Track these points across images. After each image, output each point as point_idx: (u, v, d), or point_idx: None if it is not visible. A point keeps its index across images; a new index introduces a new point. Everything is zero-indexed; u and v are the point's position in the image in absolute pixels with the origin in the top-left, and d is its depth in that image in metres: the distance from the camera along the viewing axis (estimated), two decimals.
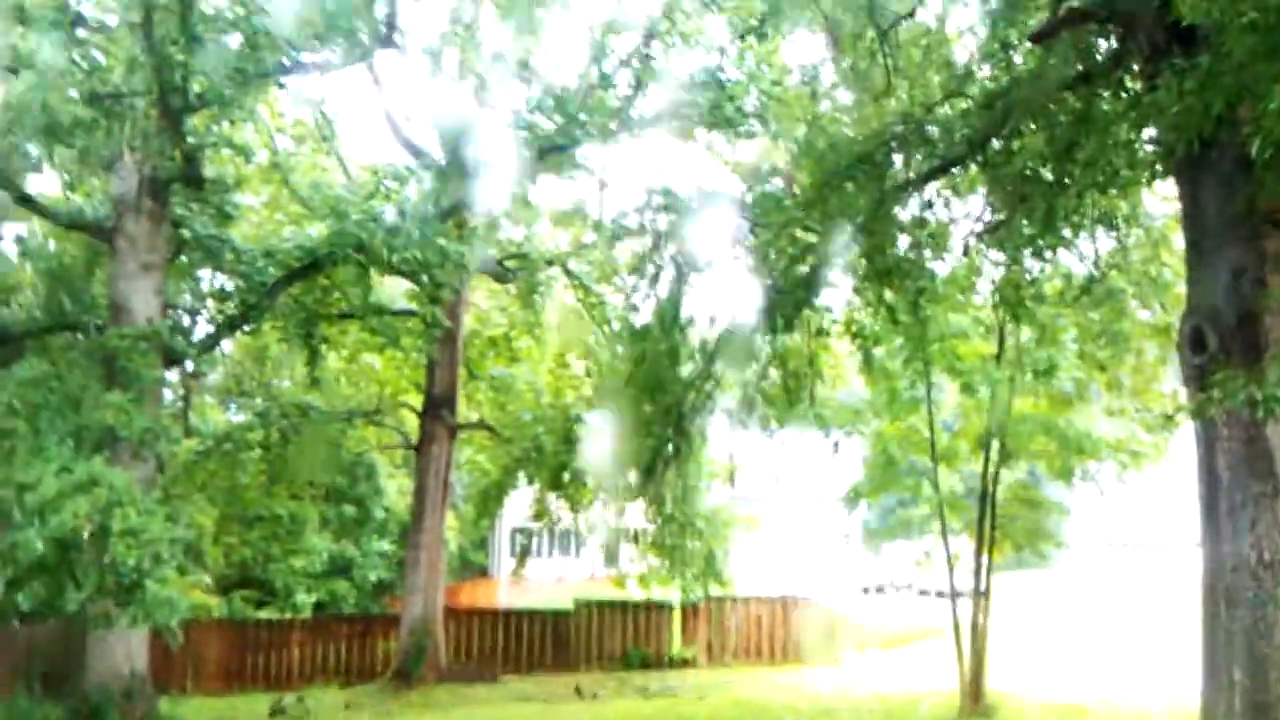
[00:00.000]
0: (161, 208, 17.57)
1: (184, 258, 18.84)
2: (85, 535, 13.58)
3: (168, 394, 18.94)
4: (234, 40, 16.56)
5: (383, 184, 18.82)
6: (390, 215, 17.95)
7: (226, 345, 21.74)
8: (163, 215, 17.61)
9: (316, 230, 18.85)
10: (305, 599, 27.63)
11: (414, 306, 19.76)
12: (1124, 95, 9.77)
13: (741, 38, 15.99)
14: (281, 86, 17.85)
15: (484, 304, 23.68)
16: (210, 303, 19.74)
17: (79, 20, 17.01)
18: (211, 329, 19.29)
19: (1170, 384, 14.45)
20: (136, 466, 15.63)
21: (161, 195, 17.52)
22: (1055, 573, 28.95)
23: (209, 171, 18.17)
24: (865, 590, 33.98)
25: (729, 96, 15.64)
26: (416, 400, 22.82)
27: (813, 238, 11.96)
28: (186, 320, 19.67)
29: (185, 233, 18.11)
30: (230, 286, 19.03)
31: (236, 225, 19.06)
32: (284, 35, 16.28)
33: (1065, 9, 10.49)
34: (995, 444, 15.52)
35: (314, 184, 19.56)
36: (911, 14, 12.48)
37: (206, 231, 18.22)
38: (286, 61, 16.78)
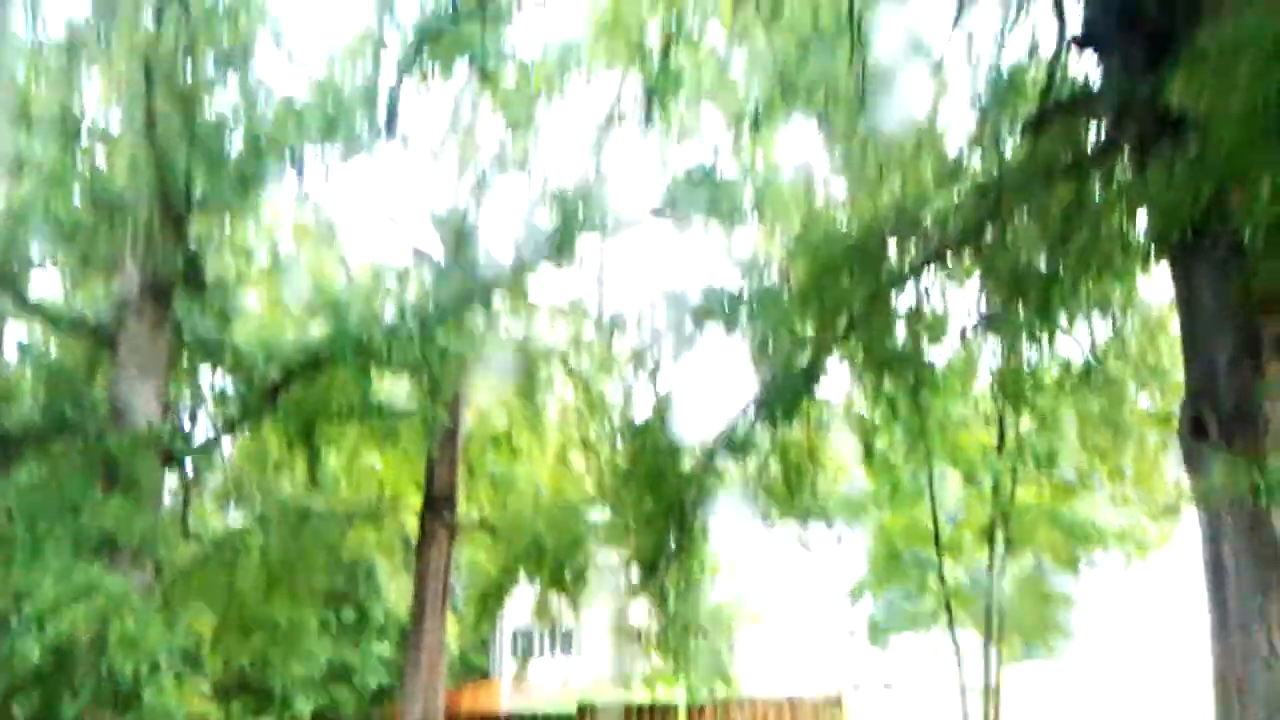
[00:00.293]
0: (163, 310, 17.62)
1: (185, 360, 18.86)
2: (83, 643, 13.42)
3: (167, 497, 18.82)
4: (236, 141, 16.79)
5: (383, 282, 18.91)
6: (390, 314, 18.01)
7: (226, 447, 21.69)
8: (164, 318, 17.66)
9: (317, 330, 18.90)
10: (305, 706, 27.19)
11: (414, 405, 19.73)
12: (1115, 184, 9.86)
13: (736, 130, 16.18)
14: (283, 186, 18.03)
15: (484, 400, 23.67)
16: (210, 404, 19.71)
17: (82, 126, 17.26)
18: (211, 431, 19.25)
19: (1173, 471, 14.39)
20: (135, 572, 15.50)
21: (163, 298, 17.59)
22: (1064, 664, 28.55)
23: (210, 273, 18.27)
24: (872, 686, 33.47)
25: (724, 190, 15.80)
26: (416, 499, 22.70)
27: (810, 329, 11.99)
28: (186, 422, 19.64)
29: (186, 335, 18.15)
30: (231, 388, 19.02)
31: (237, 326, 19.12)
32: (285, 136, 16.49)
33: (1054, 100, 10.65)
34: (999, 535, 15.41)
35: (315, 283, 19.66)
36: (903, 108, 12.65)
37: (208, 333, 18.26)
38: (288, 161, 16.95)
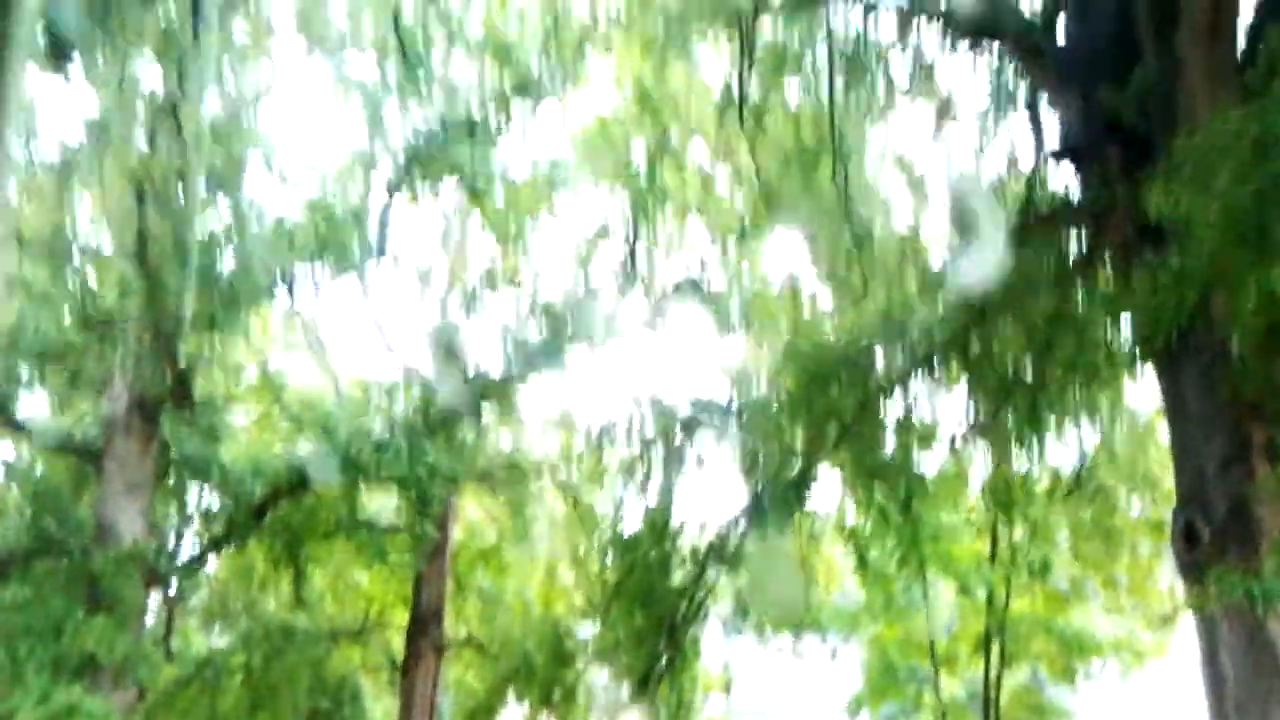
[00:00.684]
0: (151, 429, 17.57)
1: (171, 478, 18.75)
2: None
3: (150, 617, 18.55)
4: (227, 261, 16.92)
5: (372, 398, 18.92)
6: (379, 429, 17.99)
7: (211, 565, 21.46)
8: (152, 436, 17.60)
9: (305, 446, 18.85)
10: None
11: (402, 521, 19.58)
12: (1098, 292, 9.95)
13: (722, 243, 16.37)
14: (273, 303, 18.14)
15: (473, 515, 23.49)
16: (196, 522, 19.55)
17: (73, 246, 17.39)
18: (197, 549, 19.07)
19: (1167, 579, 14.27)
20: (117, 693, 15.23)
21: (151, 416, 17.55)
22: None
23: (199, 391, 18.27)
24: None
25: (711, 301, 15.94)
26: (403, 617, 22.35)
27: (800, 439, 11.97)
28: (172, 541, 19.45)
29: (174, 453, 18.07)
30: (217, 505, 18.89)
31: (225, 444, 19.04)
32: (276, 255, 16.64)
33: (1034, 211, 10.80)
34: (995, 646, 15.22)
35: (304, 400, 19.66)
36: (886, 220, 12.82)
37: (195, 451, 18.18)
38: (278, 281, 17.08)
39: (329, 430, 17.82)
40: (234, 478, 18.18)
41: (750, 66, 12.45)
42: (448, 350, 19.15)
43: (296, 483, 18.11)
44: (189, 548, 19.34)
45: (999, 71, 10.90)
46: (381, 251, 17.49)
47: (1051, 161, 10.59)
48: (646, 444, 14.46)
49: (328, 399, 20.39)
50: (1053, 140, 10.45)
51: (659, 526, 12.89)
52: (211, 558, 20.12)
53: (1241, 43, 8.70)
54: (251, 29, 15.63)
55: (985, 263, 10.82)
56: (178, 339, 17.01)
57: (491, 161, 16.93)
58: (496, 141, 16.88)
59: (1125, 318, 9.27)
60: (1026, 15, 10.28)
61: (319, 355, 21.45)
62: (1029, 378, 10.00)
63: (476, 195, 17.08)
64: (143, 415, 17.46)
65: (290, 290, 17.98)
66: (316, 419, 18.48)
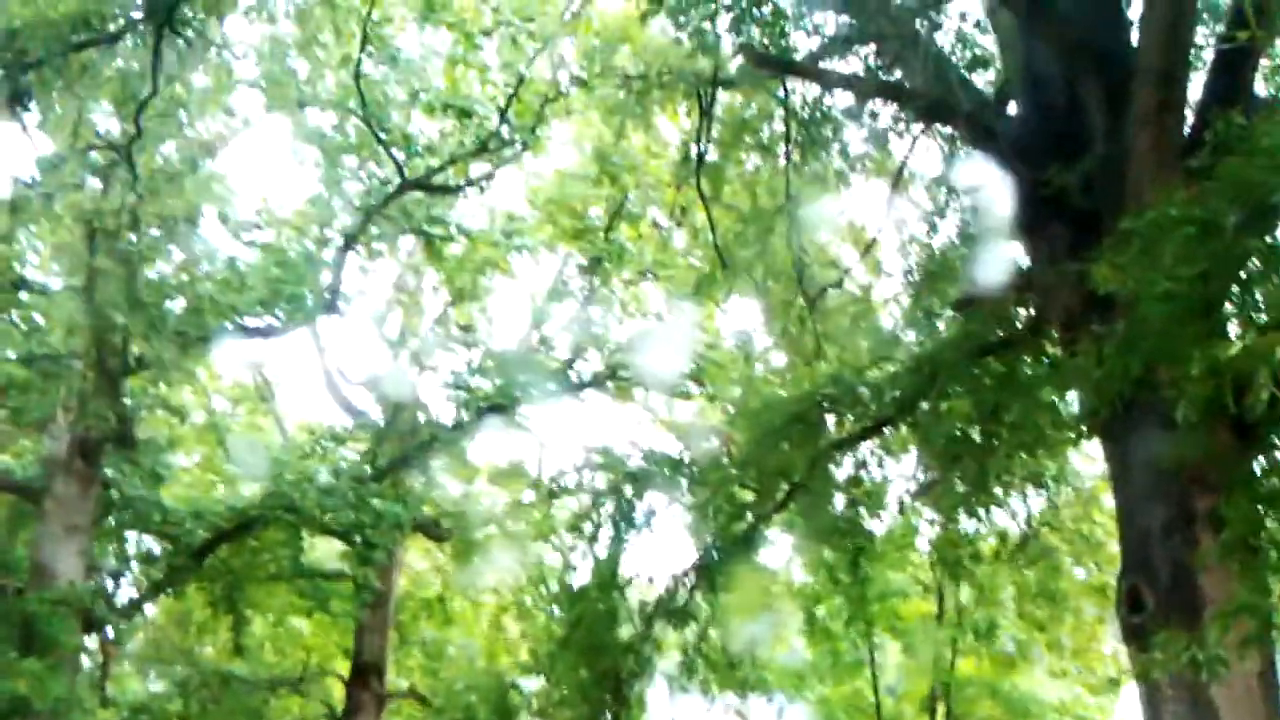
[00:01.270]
0: (92, 469, 17.38)
1: (112, 519, 18.52)
2: None
3: (86, 661, 18.24)
4: (177, 304, 16.85)
5: (319, 444, 18.85)
6: (324, 476, 17.90)
7: (149, 609, 21.15)
8: (93, 477, 17.40)
9: (249, 490, 18.70)
10: None
11: (345, 568, 19.44)
12: (1045, 360, 10.22)
13: (677, 303, 16.59)
14: (223, 351, 18.07)
15: (418, 564, 23.36)
16: (135, 565, 19.30)
17: (22, 283, 17.25)
18: (135, 593, 18.81)
19: (1111, 644, 14.51)
20: None
21: (93, 457, 17.36)
22: None
23: (143, 432, 18.11)
24: None
25: (665, 359, 16.12)
26: (344, 667, 22.11)
27: (750, 496, 12.10)
28: (110, 583, 19.17)
29: (115, 494, 17.87)
30: (157, 549, 18.67)
31: (168, 486, 18.86)
32: (227, 300, 16.60)
33: (983, 280, 11.09)
34: (940, 708, 15.36)
35: (249, 444, 19.53)
36: (839, 284, 13.09)
37: (136, 493, 17.99)
38: (229, 325, 17.03)
39: (272, 474, 17.71)
40: (175, 521, 17.99)
41: (709, 133, 12.71)
42: (398, 399, 19.15)
43: (238, 527, 17.96)
44: (127, 591, 19.09)
45: (951, 148, 11.23)
46: (334, 300, 17.50)
47: (1000, 234, 10.90)
48: (596, 497, 14.52)
49: (273, 444, 20.27)
50: (1003, 214, 10.76)
51: (607, 580, 12.92)
52: (150, 602, 19.84)
53: (1190, 124, 9.05)
54: (213, 80, 15.69)
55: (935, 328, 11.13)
56: (123, 379, 16.88)
57: (449, 217, 17.04)
58: (455, 197, 17.01)
59: (1072, 386, 9.52)
60: (979, 95, 10.59)
61: (266, 400, 21.35)
62: (977, 441, 10.20)
63: (433, 249, 17.17)
64: (85, 456, 17.27)
65: (240, 336, 17.94)
66: (261, 463, 18.37)
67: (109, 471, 17.77)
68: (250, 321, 17.32)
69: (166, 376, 17.72)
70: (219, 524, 17.82)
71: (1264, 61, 9.07)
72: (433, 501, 19.76)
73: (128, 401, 17.18)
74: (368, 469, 18.22)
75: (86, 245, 16.16)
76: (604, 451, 13.93)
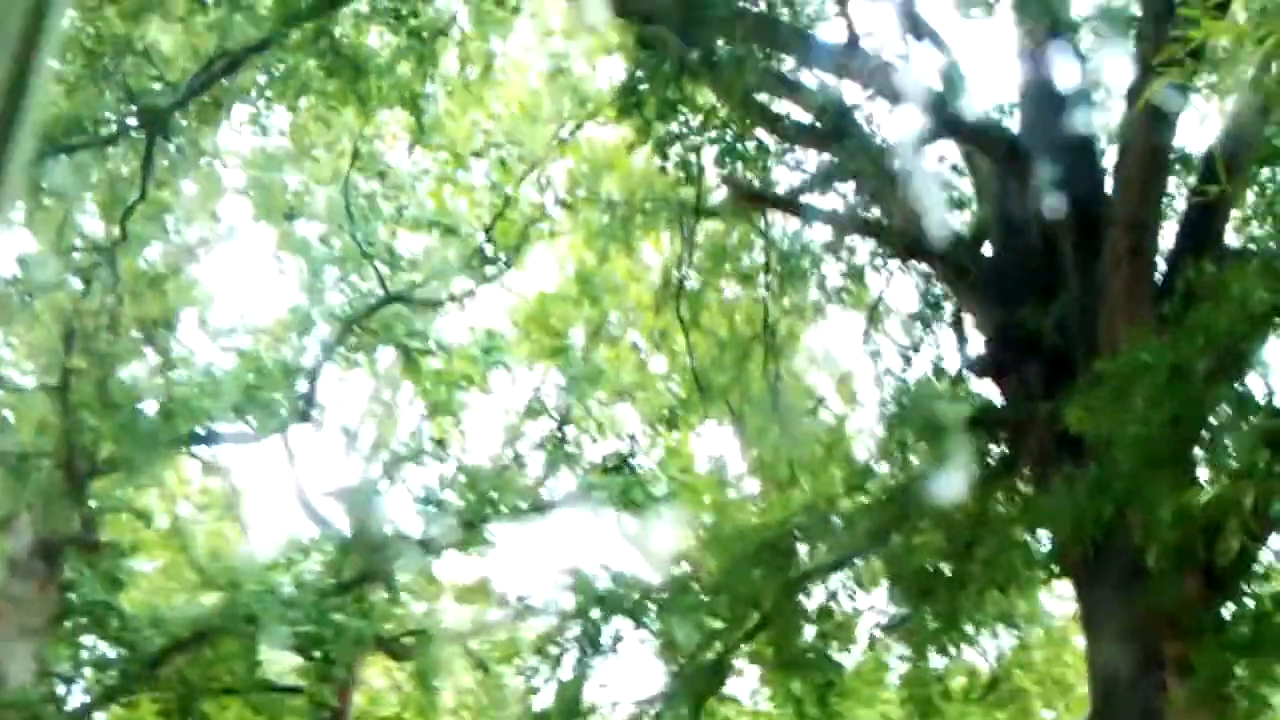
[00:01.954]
0: (51, 570, 17.10)
1: (68, 623, 18.16)
2: None
3: None
4: (150, 406, 16.79)
5: (284, 554, 18.64)
6: (287, 588, 17.66)
7: (100, 717, 20.62)
8: (52, 578, 17.12)
9: (210, 599, 18.42)
10: None
11: (302, 683, 19.06)
12: (1017, 498, 10.30)
13: (652, 426, 16.64)
14: (193, 456, 17.95)
15: (377, 682, 22.90)
16: (89, 671, 18.86)
17: None
18: (87, 699, 18.35)
19: None
20: None
21: (53, 558, 17.10)
22: None
23: (105, 535, 17.88)
24: None
25: (638, 482, 16.10)
26: None
27: (719, 624, 12.02)
28: (62, 689, 18.70)
29: (73, 597, 17.55)
30: (113, 654, 18.27)
31: (127, 591, 18.55)
32: (201, 405, 16.56)
33: (957, 415, 11.21)
34: None
35: (213, 552, 19.29)
36: (814, 413, 13.20)
37: (95, 597, 17.68)
38: (201, 431, 16.96)
39: (235, 584, 17.47)
40: (133, 628, 17.67)
41: (690, 260, 12.93)
42: (365, 512, 19.01)
43: (196, 636, 17.64)
44: (79, 697, 18.61)
45: (927, 284, 11.45)
46: (308, 410, 17.47)
47: (973, 373, 11.07)
48: (563, 618, 14.39)
49: (237, 552, 20.02)
50: (976, 351, 10.93)
51: (570, 705, 12.74)
52: (101, 710, 19.35)
53: (1161, 271, 9.28)
54: (201, 187, 15.88)
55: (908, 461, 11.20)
56: (90, 481, 16.73)
57: (429, 331, 17.15)
58: (436, 312, 17.14)
59: (1043, 526, 9.59)
60: (955, 234, 10.84)
61: (234, 507, 21.14)
62: (949, 577, 10.21)
63: (411, 362, 17.24)
64: (45, 557, 17.01)
65: (210, 442, 17.85)
66: (223, 572, 18.13)
67: (69, 573, 17.50)
68: (223, 427, 17.25)
69: (134, 479, 17.57)
70: (177, 633, 17.49)
71: (1234, 212, 9.32)
72: (395, 617, 19.49)
73: (93, 503, 16.98)
74: (331, 581, 17.99)
75: (63, 344, 16.15)
76: (572, 572, 13.85)
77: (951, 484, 10.35)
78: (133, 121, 13.29)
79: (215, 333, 17.42)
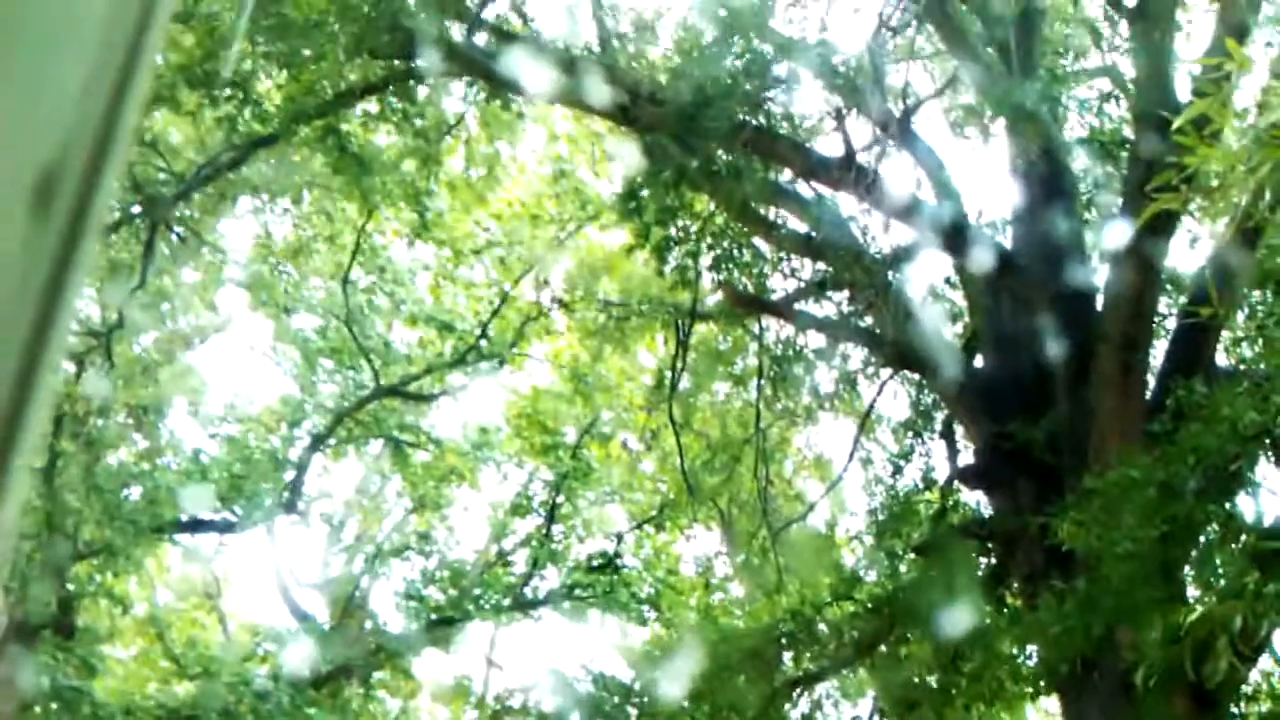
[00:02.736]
0: (26, 654, 16.87)
1: (38, 708, 17.85)
2: None
3: None
4: (134, 492, 16.72)
5: (261, 645, 18.45)
6: (261, 680, 17.46)
7: None
8: (25, 663, 16.88)
9: (183, 689, 18.17)
10: None
11: None
12: (1005, 611, 10.29)
13: (639, 526, 16.60)
14: (175, 544, 17.84)
15: None
16: None
17: None
18: None
19: None
20: None
21: (29, 642, 16.88)
22: None
23: (81, 620, 17.68)
24: None
25: (624, 582, 16.02)
26: None
27: None
28: None
29: (45, 681, 17.28)
30: None
31: (101, 678, 18.28)
32: (186, 493, 16.50)
33: (946, 525, 11.25)
34: None
35: (190, 641, 19.07)
36: (803, 518, 13.22)
37: (67, 683, 17.42)
38: (184, 518, 16.88)
39: (210, 674, 17.27)
40: (105, 716, 17.38)
41: (684, 362, 13.04)
42: (346, 605, 18.84)
43: None
44: None
45: (918, 394, 11.57)
46: (295, 500, 17.41)
47: (963, 483, 11.13)
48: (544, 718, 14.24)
49: (214, 642, 19.79)
50: (966, 462, 11.01)
51: None
52: None
53: (1152, 389, 9.41)
54: (200, 276, 16.01)
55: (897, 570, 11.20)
56: (70, 565, 16.58)
57: (420, 425, 17.18)
58: (429, 406, 17.18)
59: (1031, 640, 9.57)
60: (947, 347, 10.98)
61: (213, 596, 20.93)
62: (935, 689, 10.15)
63: (400, 455, 17.23)
64: (20, 640, 16.80)
65: (194, 529, 17.75)
66: (199, 661, 17.94)
67: (43, 658, 17.26)
68: (207, 515, 17.17)
69: (114, 565, 17.41)
70: None
71: (1225, 333, 9.49)
72: (369, 715, 19.22)
73: (70, 587, 16.82)
74: (307, 673, 17.77)
75: (53, 427, 16.12)
76: (553, 674, 13.73)
77: (940, 593, 10.35)
78: (136, 209, 13.43)
79: (205, 420, 17.41)
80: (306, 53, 10.82)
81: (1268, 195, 5.05)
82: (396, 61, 11.14)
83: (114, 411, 16.48)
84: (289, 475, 16.90)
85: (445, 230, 15.39)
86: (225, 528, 17.49)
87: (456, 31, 10.81)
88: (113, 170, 0.69)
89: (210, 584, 21.02)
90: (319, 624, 19.47)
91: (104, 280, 15.03)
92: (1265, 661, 7.92)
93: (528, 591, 16.72)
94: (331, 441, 17.06)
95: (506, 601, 16.42)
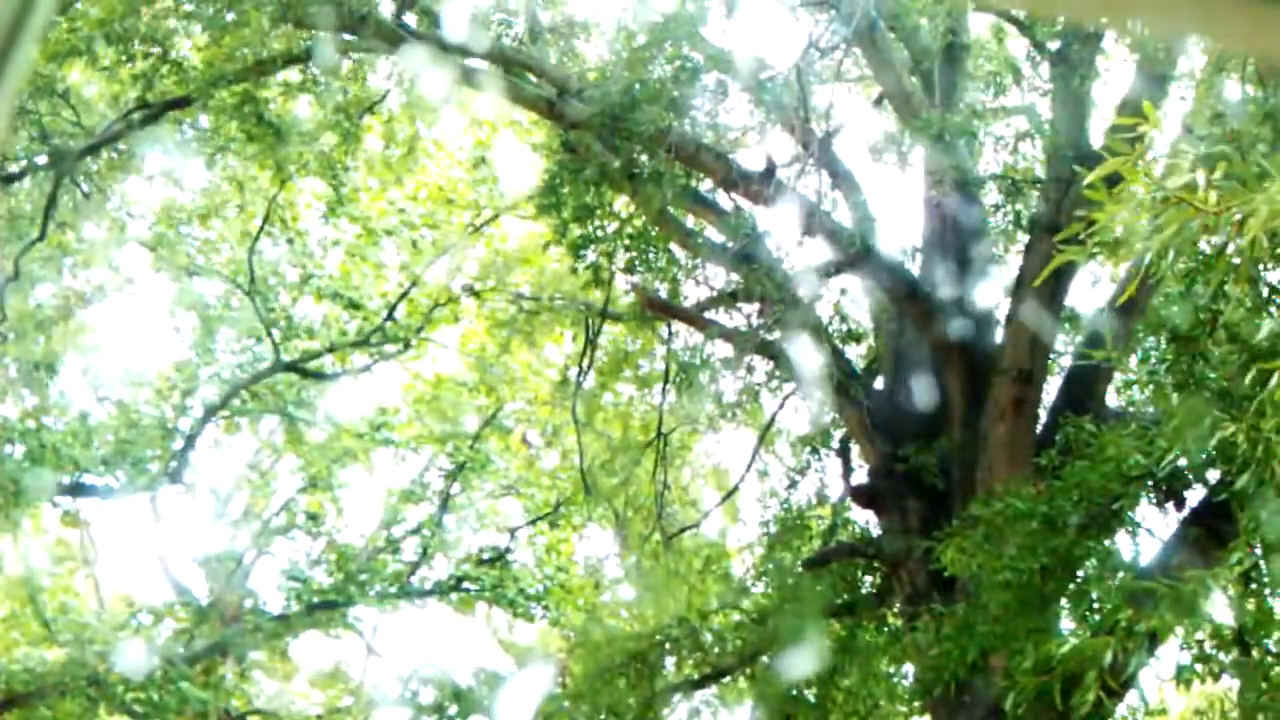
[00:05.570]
0: None
1: None
2: None
3: None
4: (16, 450, 16.24)
5: (135, 617, 18.07)
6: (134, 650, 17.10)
7: None
8: None
9: (53, 655, 17.71)
10: None
11: None
12: (885, 630, 10.47)
13: (533, 523, 16.54)
14: (55, 505, 17.37)
15: None
16: None
17: None
18: None
19: None
20: None
21: None
22: None
23: None
24: None
25: (513, 578, 15.94)
26: None
27: None
28: None
29: None
30: None
31: None
32: (70, 453, 16.07)
33: (835, 542, 11.42)
34: None
35: (62, 607, 18.57)
36: (696, 525, 13.31)
37: None
38: (66, 480, 16.43)
39: (81, 642, 16.86)
40: None
41: (590, 360, 13.05)
42: (227, 581, 18.49)
43: (34, 692, 16.90)
44: None
45: (818, 411, 11.70)
46: (181, 470, 17.04)
47: (855, 502, 11.30)
48: (418, 712, 14.15)
49: (87, 610, 19.31)
50: (859, 480, 11.17)
51: None
52: None
53: (1043, 423, 9.64)
54: (105, 235, 15.61)
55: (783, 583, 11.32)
56: None
57: (318, 403, 16.93)
58: (328, 384, 16.93)
59: (908, 660, 9.75)
60: (849, 366, 11.12)
61: (89, 563, 20.41)
62: (812, 703, 10.29)
63: (295, 432, 16.97)
64: None
65: (75, 492, 17.28)
66: (70, 628, 17.51)
67: None
68: (90, 479, 16.74)
69: None
70: (14, 686, 16.75)
71: (1117, 375, 9.76)
72: (243, 695, 18.90)
73: None
74: (181, 649, 17.42)
75: None
76: (433, 666, 13.65)
77: (822, 609, 10.50)
78: (42, 160, 13.06)
79: (96, 382, 16.97)
80: (231, 16, 10.64)
81: (1171, 255, 5.19)
82: (322, 33, 10.98)
83: (2, 366, 16.02)
84: (178, 445, 16.54)
85: (360, 207, 15.21)
86: (107, 493, 17.07)
87: (386, 7, 10.69)
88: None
89: (88, 550, 20.51)
90: (197, 599, 19.10)
91: (3, 231, 14.61)
92: (1132, 697, 8.14)
93: (415, 580, 16.57)
94: (225, 413, 16.73)
95: (392, 589, 16.25)
